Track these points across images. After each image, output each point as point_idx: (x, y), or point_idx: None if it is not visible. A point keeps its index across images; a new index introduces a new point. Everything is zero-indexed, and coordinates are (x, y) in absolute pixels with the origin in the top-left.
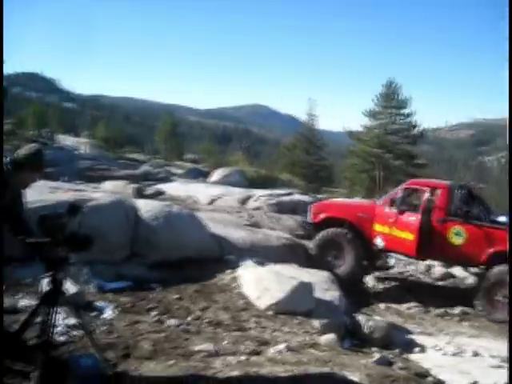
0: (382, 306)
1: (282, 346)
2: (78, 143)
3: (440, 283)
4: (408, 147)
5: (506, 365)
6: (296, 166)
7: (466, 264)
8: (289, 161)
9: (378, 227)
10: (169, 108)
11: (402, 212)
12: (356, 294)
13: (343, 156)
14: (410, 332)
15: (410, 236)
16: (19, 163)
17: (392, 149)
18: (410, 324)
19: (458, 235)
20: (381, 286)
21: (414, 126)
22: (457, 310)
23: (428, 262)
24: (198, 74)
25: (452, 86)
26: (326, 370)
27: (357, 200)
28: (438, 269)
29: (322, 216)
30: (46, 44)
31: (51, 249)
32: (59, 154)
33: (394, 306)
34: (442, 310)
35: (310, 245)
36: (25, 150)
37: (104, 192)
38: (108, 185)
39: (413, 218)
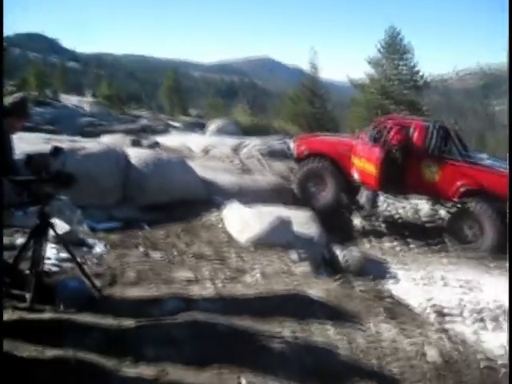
0: (365, 242)
1: (257, 274)
2: (82, 102)
3: (426, 222)
4: (412, 96)
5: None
6: (300, 117)
7: (439, 199)
8: (293, 112)
9: (355, 161)
10: (172, 64)
11: (370, 146)
12: (340, 232)
13: (347, 106)
14: (387, 264)
15: (373, 169)
16: (6, 110)
17: (395, 97)
18: (389, 258)
19: (432, 172)
20: (366, 225)
21: (418, 74)
22: (438, 246)
23: (415, 201)
24: (200, 28)
25: (459, 32)
26: (291, 291)
27: (339, 135)
28: (426, 209)
29: (305, 150)
30: (47, 3)
31: (38, 186)
32: (61, 112)
33: (377, 243)
34: (424, 248)
35: (293, 177)
36: (11, 98)
37: (98, 143)
38: (105, 138)
39: (377, 152)
